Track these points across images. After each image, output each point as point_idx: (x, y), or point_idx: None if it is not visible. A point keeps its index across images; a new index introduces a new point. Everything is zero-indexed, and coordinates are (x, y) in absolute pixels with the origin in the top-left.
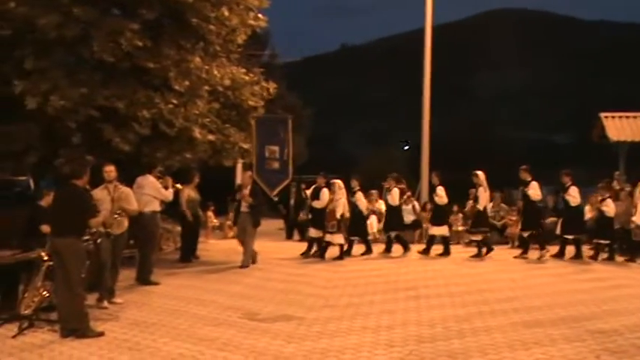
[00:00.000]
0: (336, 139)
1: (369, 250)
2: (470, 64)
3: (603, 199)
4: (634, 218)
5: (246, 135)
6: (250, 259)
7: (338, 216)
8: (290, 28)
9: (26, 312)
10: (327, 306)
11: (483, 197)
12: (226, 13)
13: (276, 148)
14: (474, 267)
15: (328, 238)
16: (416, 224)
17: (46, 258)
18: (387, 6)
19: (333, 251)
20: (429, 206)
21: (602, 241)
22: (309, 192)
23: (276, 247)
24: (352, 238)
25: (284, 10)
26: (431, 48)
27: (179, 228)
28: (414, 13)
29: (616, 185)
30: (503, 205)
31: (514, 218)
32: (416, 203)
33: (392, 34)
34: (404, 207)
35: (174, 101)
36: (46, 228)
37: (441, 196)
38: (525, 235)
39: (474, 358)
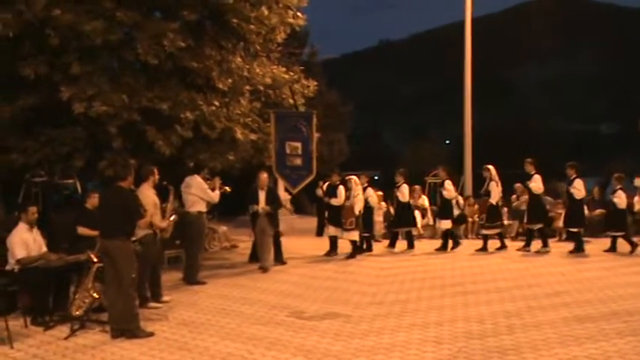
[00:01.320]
0: (378, 135)
1: (369, 248)
2: (511, 56)
3: (615, 191)
4: None
5: None
6: (270, 258)
7: (357, 212)
8: (328, 24)
9: (77, 313)
10: (373, 303)
11: (495, 192)
12: (266, 12)
13: (298, 144)
14: (521, 261)
15: (345, 235)
16: (461, 219)
17: (95, 260)
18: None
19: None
20: (472, 200)
21: (615, 233)
22: (323, 189)
23: (317, 244)
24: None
25: (322, 7)
26: (471, 40)
27: (224, 227)
28: (452, 6)
29: None
30: (549, 198)
31: (560, 211)
32: (460, 198)
33: (430, 27)
34: None
35: (217, 102)
36: (84, 230)
37: (449, 190)
38: (535, 228)
39: (525, 354)
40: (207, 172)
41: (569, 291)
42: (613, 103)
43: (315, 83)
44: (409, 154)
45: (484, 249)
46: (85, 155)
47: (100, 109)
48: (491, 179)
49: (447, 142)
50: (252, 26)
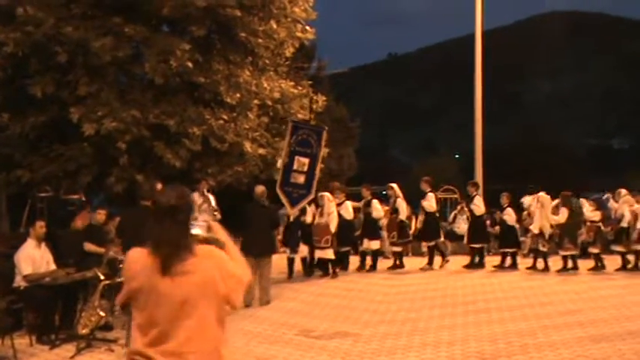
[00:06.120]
0: (386, 149)
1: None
2: (522, 69)
3: (504, 209)
4: (532, 227)
5: None
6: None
7: (333, 230)
8: (337, 38)
9: (83, 332)
10: (383, 322)
11: (402, 208)
12: (274, 26)
13: (306, 161)
14: (533, 279)
15: (319, 253)
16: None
17: (102, 277)
18: (435, 14)
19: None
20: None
21: (507, 250)
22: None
23: None
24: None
25: (331, 20)
26: (482, 54)
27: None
28: (462, 20)
29: None
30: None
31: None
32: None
33: (440, 41)
34: (458, 217)
35: (225, 117)
36: (91, 247)
37: (377, 209)
38: (428, 245)
39: None
40: (206, 188)
41: (583, 310)
42: (625, 118)
43: (324, 98)
44: (418, 169)
45: (395, 266)
46: (93, 171)
47: (110, 126)
48: (396, 196)
49: (457, 156)
50: (260, 40)
